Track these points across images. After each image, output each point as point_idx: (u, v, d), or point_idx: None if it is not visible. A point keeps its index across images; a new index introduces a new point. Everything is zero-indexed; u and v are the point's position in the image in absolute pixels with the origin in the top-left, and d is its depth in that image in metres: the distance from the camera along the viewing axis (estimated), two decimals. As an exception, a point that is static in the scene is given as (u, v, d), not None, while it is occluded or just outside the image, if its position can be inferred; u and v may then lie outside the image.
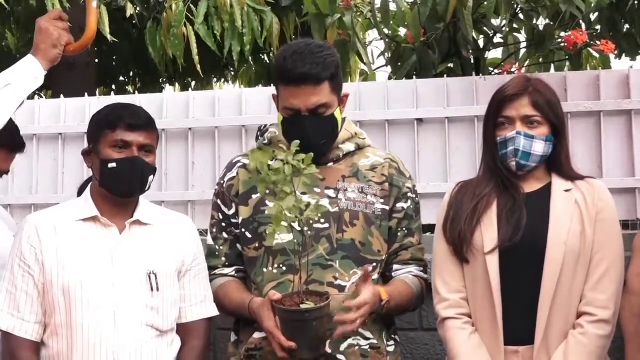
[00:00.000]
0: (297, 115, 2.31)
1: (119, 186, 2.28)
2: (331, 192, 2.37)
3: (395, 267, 2.45)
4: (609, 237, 2.23)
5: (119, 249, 2.26)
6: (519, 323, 2.20)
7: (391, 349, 2.41)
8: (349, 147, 2.44)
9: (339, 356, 2.25)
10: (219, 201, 2.50)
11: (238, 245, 2.45)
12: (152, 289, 2.25)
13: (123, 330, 2.20)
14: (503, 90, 2.31)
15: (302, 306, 2.09)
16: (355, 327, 2.16)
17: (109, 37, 4.38)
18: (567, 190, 2.27)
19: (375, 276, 2.37)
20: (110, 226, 2.29)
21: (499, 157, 2.30)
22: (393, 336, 2.45)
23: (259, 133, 2.56)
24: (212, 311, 2.41)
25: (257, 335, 2.33)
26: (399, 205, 2.44)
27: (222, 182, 2.51)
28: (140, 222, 2.33)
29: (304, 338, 2.11)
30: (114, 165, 2.25)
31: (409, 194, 2.47)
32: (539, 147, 2.26)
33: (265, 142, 2.48)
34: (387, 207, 2.41)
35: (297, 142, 2.09)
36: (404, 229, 2.45)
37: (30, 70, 2.31)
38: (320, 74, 2.28)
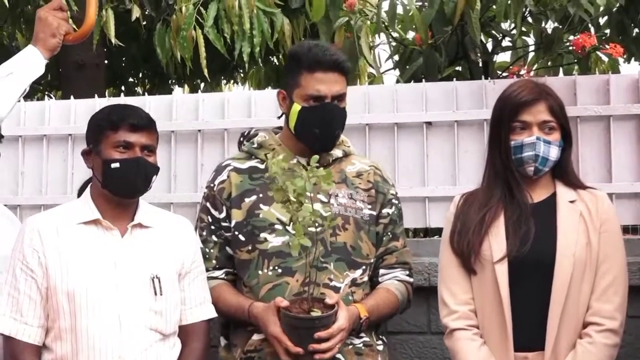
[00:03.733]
0: (320, 103, 2.37)
1: (122, 187, 2.26)
2: (323, 197, 2.41)
3: (381, 271, 2.51)
4: (614, 248, 2.24)
5: (121, 253, 2.25)
6: (528, 331, 2.21)
7: (380, 347, 2.48)
8: (337, 153, 2.51)
9: (337, 355, 2.28)
10: (208, 204, 2.52)
11: (227, 248, 2.48)
12: (155, 293, 2.25)
13: (128, 335, 2.19)
14: (516, 94, 2.29)
15: (312, 314, 2.13)
16: (333, 354, 2.20)
17: (113, 40, 4.40)
18: (571, 202, 2.28)
19: (365, 278, 2.44)
20: (112, 229, 2.27)
21: (512, 161, 2.29)
22: (381, 336, 2.52)
23: (242, 138, 2.60)
24: (211, 313, 2.41)
25: (255, 337, 2.36)
26: (385, 210, 2.51)
27: (212, 185, 2.52)
28: (142, 225, 2.32)
29: (308, 342, 2.15)
30: (117, 165, 2.23)
31: (393, 200, 2.54)
32: (554, 153, 2.27)
33: (255, 146, 2.52)
34: (374, 213, 2.48)
35: (317, 157, 2.15)
36: (389, 233, 2.51)
37: (31, 60, 2.35)
38: (346, 63, 2.41)
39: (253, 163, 2.50)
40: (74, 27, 2.49)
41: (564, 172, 2.33)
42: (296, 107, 2.41)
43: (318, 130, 2.38)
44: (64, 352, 2.19)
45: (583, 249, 2.20)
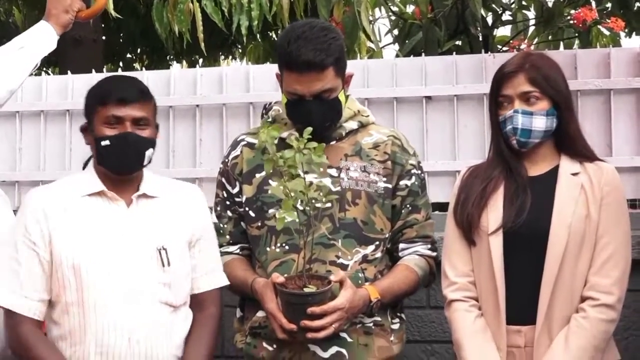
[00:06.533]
0: (300, 100, 2.29)
1: (114, 164, 2.21)
2: (333, 171, 2.36)
3: (401, 245, 2.44)
4: (615, 222, 2.20)
5: (127, 224, 2.22)
6: (522, 304, 2.19)
7: (396, 326, 2.42)
8: (352, 125, 2.43)
9: (341, 334, 2.26)
10: (223, 179, 2.49)
11: (242, 224, 2.45)
12: (163, 265, 2.20)
13: (136, 309, 2.16)
14: (501, 68, 2.29)
15: (305, 289, 2.11)
16: (328, 333, 2.15)
17: (113, 13, 4.37)
18: (574, 174, 2.24)
19: (378, 254, 2.38)
20: (117, 200, 2.23)
21: (502, 136, 2.28)
22: (399, 314, 2.46)
23: (264, 111, 2.55)
24: (224, 280, 2.38)
25: (260, 313, 2.34)
26: (402, 182, 2.42)
27: (226, 160, 2.50)
28: (147, 195, 2.27)
29: (300, 319, 2.12)
30: (107, 142, 2.17)
31: (413, 171, 2.45)
32: (540, 123, 2.23)
33: (270, 120, 2.47)
34: (390, 186, 2.40)
35: (310, 129, 2.09)
36: (408, 205, 2.43)
37: (43, 35, 2.37)
38: (324, 60, 2.24)
39: None
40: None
41: (570, 143, 2.29)
42: (284, 99, 2.36)
43: (302, 126, 2.24)
44: (71, 327, 2.16)
45: (581, 221, 2.17)
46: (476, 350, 2.20)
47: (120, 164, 2.21)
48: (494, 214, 2.24)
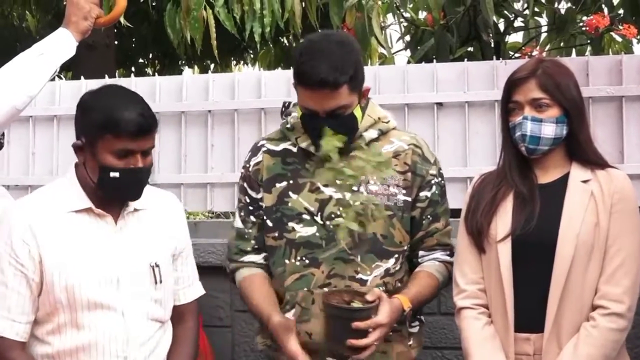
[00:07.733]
0: (314, 116, 2.25)
1: (120, 194, 2.16)
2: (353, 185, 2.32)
3: (420, 252, 2.43)
4: (626, 229, 2.17)
5: (118, 242, 2.16)
6: (531, 312, 2.18)
7: (415, 329, 2.41)
8: (372, 134, 2.37)
9: None
10: (245, 184, 2.45)
11: None
12: (156, 282, 2.18)
13: (131, 329, 2.14)
14: (513, 74, 2.27)
15: (353, 304, 2.10)
16: (370, 352, 2.13)
17: (122, 21, 4.40)
18: (584, 181, 2.22)
19: (398, 267, 2.36)
20: (105, 216, 2.16)
21: (512, 143, 2.28)
22: (418, 316, 2.44)
23: (282, 109, 2.49)
24: (200, 290, 2.40)
25: None
26: (422, 194, 2.38)
27: (247, 165, 2.46)
28: (135, 209, 2.22)
29: (345, 335, 2.10)
30: (116, 175, 2.09)
31: (433, 181, 2.40)
32: (549, 130, 2.21)
33: (288, 126, 2.42)
34: (409, 198, 2.36)
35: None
36: (429, 216, 2.40)
37: (62, 41, 2.39)
38: (338, 79, 2.18)
39: (287, 145, 2.39)
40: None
41: (580, 150, 2.27)
42: (299, 111, 2.32)
43: (317, 141, 2.22)
44: (63, 346, 2.12)
45: (590, 230, 2.16)
46: (484, 358, 2.20)
47: (125, 195, 2.18)
48: (502, 221, 2.23)
